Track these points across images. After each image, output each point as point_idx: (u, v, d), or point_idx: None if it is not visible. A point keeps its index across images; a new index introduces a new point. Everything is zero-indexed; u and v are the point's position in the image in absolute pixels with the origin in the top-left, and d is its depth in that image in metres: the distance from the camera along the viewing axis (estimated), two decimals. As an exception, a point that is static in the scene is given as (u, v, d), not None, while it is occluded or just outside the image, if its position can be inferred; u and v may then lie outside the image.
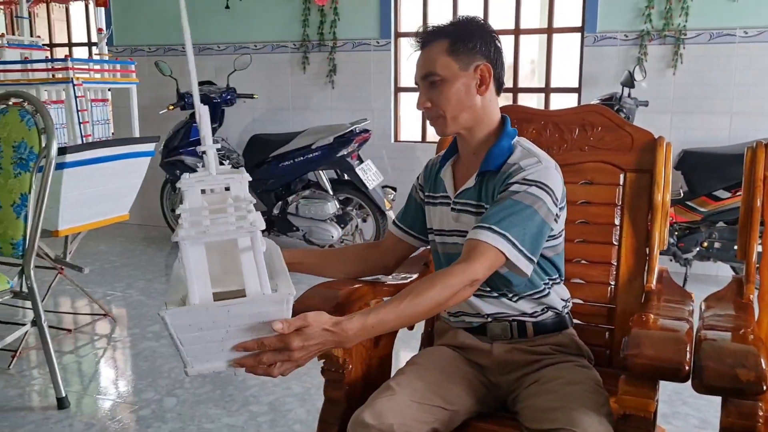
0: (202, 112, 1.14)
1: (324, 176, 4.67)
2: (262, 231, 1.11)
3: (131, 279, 4.37)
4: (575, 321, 1.75)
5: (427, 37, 1.50)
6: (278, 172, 4.74)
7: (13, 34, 3.70)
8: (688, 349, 1.20)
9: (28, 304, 2.57)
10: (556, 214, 1.44)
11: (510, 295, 1.51)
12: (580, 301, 1.81)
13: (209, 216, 1.07)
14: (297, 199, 4.73)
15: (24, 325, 3.05)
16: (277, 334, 1.11)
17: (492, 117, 1.53)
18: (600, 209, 1.82)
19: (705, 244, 3.88)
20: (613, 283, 1.80)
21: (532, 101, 6.31)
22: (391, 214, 4.59)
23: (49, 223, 2.94)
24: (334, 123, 4.85)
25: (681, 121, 4.32)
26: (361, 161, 4.60)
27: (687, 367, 1.18)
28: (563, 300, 1.57)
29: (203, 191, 1.11)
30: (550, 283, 1.54)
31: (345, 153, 4.52)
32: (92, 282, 4.18)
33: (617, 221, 1.81)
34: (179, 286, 1.17)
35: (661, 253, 1.78)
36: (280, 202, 4.81)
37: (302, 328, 1.14)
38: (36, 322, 2.55)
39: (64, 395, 2.61)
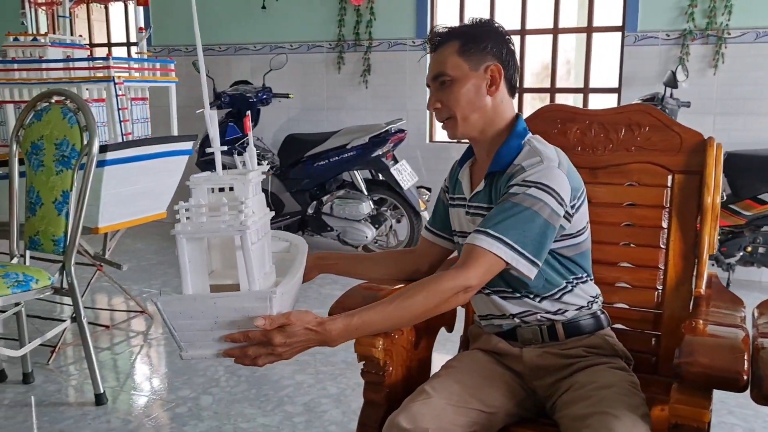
0: (212, 116, 1.24)
1: (359, 176, 4.66)
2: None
3: (167, 277, 4.41)
4: (619, 326, 1.71)
5: (439, 39, 1.49)
6: (313, 171, 4.74)
7: (55, 33, 3.75)
8: (746, 357, 1.16)
9: (67, 299, 2.60)
10: (567, 213, 1.40)
11: (531, 296, 1.48)
12: (625, 306, 1.77)
13: (207, 213, 1.15)
14: (331, 199, 4.72)
15: (63, 321, 3.09)
16: (260, 329, 1.17)
17: (503, 118, 1.50)
18: (647, 211, 1.78)
19: (749, 248, 3.78)
20: (660, 287, 1.75)
21: (568, 101, 6.22)
22: (426, 215, 4.57)
23: (90, 220, 2.97)
24: (368, 123, 4.84)
25: (724, 122, 4.21)
26: (396, 161, 4.58)
27: (745, 377, 1.13)
28: (591, 297, 1.52)
29: (216, 189, 1.24)
30: (575, 282, 1.50)
31: (380, 153, 4.50)
32: (129, 279, 4.23)
33: (665, 224, 1.76)
34: None
35: (707, 258, 1.73)
36: (314, 202, 4.81)
37: (285, 326, 1.18)
38: (75, 319, 2.58)
39: (102, 391, 2.63)
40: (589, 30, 4.73)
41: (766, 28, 4.10)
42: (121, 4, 6.25)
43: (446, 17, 5.11)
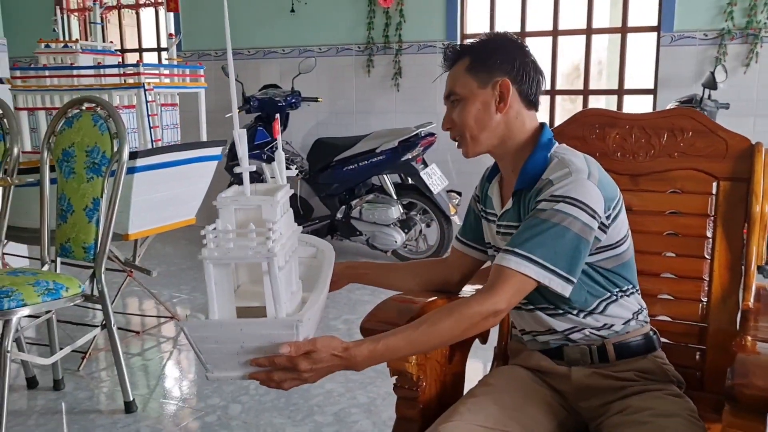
0: (240, 135, 1.21)
1: (388, 180, 4.62)
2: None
3: (196, 282, 4.41)
4: (663, 339, 1.64)
5: (452, 56, 1.45)
6: (342, 176, 4.71)
7: (87, 40, 3.78)
8: (805, 380, 1.09)
9: (98, 305, 2.59)
10: (602, 225, 1.33)
11: (575, 311, 1.41)
12: (668, 319, 1.69)
13: (233, 239, 1.14)
14: (361, 203, 4.68)
15: (94, 326, 3.10)
16: (286, 355, 1.15)
17: (522, 132, 1.43)
18: (690, 220, 1.70)
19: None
20: (705, 299, 1.68)
21: (600, 104, 6.11)
22: (456, 220, 4.51)
23: (120, 227, 2.97)
24: (398, 127, 4.80)
25: (765, 124, 4.09)
26: (426, 165, 4.53)
27: (806, 401, 1.06)
28: (636, 309, 1.45)
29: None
30: (620, 294, 1.43)
31: (410, 157, 4.45)
32: (159, 284, 4.24)
33: (709, 233, 1.69)
34: None
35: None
36: (343, 207, 4.78)
37: (310, 352, 1.17)
38: (106, 326, 2.57)
39: (131, 399, 2.62)
40: (624, 30, 4.63)
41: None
42: (152, 9, 6.29)
43: (477, 19, 5.05)
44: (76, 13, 5.51)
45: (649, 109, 4.21)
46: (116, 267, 3.42)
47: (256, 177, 3.65)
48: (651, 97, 4.49)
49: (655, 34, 4.44)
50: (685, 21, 4.26)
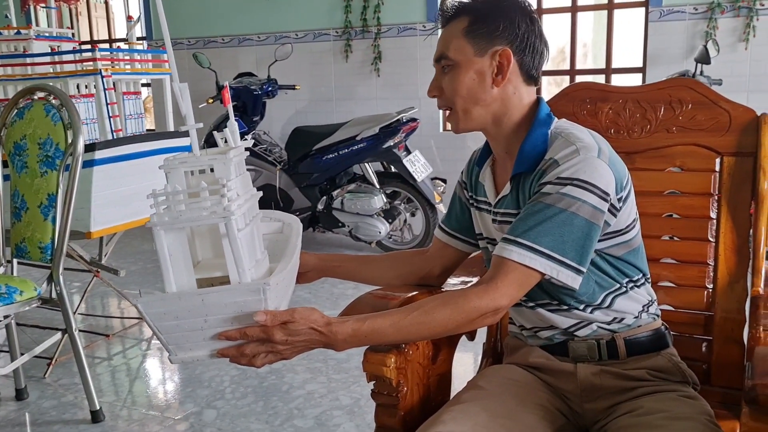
0: (182, 88, 1.10)
1: (370, 169, 4.45)
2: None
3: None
4: (664, 330, 1.50)
5: (449, 14, 1.27)
6: (322, 165, 4.54)
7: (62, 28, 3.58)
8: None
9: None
10: (613, 207, 1.18)
11: (581, 306, 1.26)
12: (670, 308, 1.55)
13: (185, 201, 1.03)
14: (342, 193, 4.51)
15: (61, 330, 2.92)
16: (259, 325, 1.06)
17: (518, 109, 1.27)
18: (692, 200, 1.57)
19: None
20: (710, 286, 1.55)
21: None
22: (442, 208, 4.36)
23: (81, 224, 2.79)
24: (379, 113, 4.63)
25: (759, 100, 3.95)
26: (409, 152, 4.36)
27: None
28: (646, 301, 1.31)
29: (197, 171, 1.09)
30: (630, 286, 1.28)
31: (392, 144, 4.29)
32: (132, 282, 4.06)
33: (713, 214, 1.55)
34: None
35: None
36: (324, 197, 4.61)
37: (287, 323, 1.07)
38: (67, 331, 2.40)
39: (98, 408, 2.45)
40: (611, 6, 4.48)
41: (801, -3, 3.84)
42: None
43: (457, -1, 4.89)
44: (42, 4, 5.28)
45: (637, 87, 4.07)
46: (82, 267, 3.24)
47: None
48: (640, 75, 4.35)
49: (642, 10, 4.29)
50: (674, -5, 4.12)
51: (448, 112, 1.29)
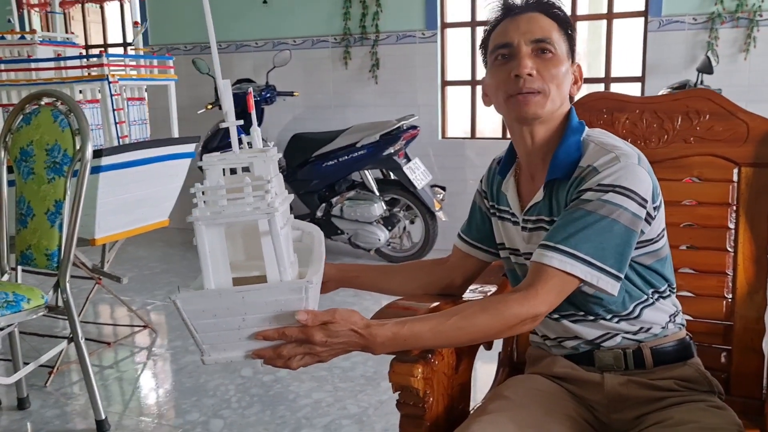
0: (225, 86, 1.09)
1: (370, 176, 4.44)
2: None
3: (171, 286, 4.20)
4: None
5: (534, 6, 1.26)
6: (321, 172, 4.53)
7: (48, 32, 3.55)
8: None
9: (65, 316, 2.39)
10: (648, 215, 1.19)
11: (608, 317, 1.26)
12: (689, 317, 1.55)
13: (226, 196, 1.02)
14: (341, 200, 4.50)
15: (63, 338, 2.88)
16: (299, 325, 1.05)
17: (560, 116, 1.28)
18: (710, 210, 1.57)
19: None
20: (729, 296, 1.55)
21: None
22: (442, 216, 4.35)
23: (86, 231, 2.76)
24: (377, 120, 4.62)
25: (758, 110, 3.96)
26: (409, 160, 4.36)
27: None
28: (672, 312, 1.31)
29: (228, 171, 1.09)
30: (657, 297, 1.28)
31: (392, 151, 4.28)
32: (132, 290, 4.02)
33: (731, 224, 1.56)
34: None
35: None
36: (323, 204, 4.60)
37: (327, 323, 1.06)
38: (73, 339, 2.37)
39: (103, 417, 2.42)
40: (610, 16, 4.50)
41: (800, 9, 3.88)
42: (117, 3, 6.03)
43: (457, 7, 4.89)
44: (37, 8, 5.25)
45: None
46: (83, 274, 3.21)
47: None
48: (639, 84, 4.37)
49: (642, 20, 4.32)
50: (674, 5, 4.14)
51: (531, 95, 1.22)
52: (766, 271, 1.53)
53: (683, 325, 1.35)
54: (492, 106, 1.32)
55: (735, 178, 1.56)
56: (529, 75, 1.21)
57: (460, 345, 1.28)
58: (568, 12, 4.31)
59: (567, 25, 1.26)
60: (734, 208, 1.56)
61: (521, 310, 1.11)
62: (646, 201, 1.17)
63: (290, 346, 1.06)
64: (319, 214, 4.59)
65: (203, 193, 1.02)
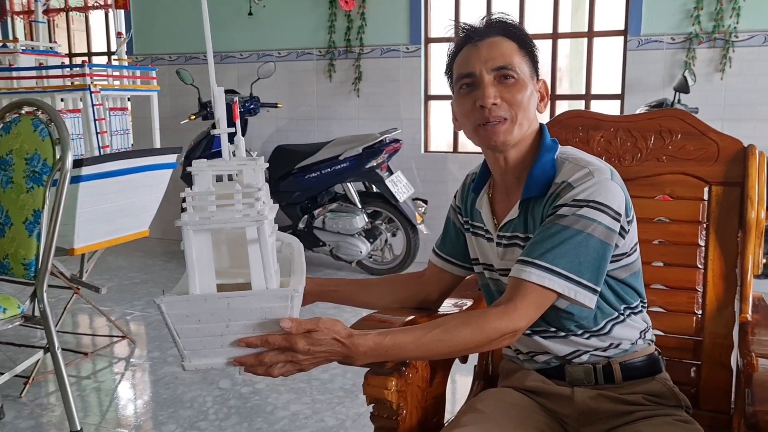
0: (219, 93, 1.10)
1: (352, 188, 4.46)
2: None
3: (151, 296, 4.18)
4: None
5: (494, 30, 1.28)
6: (304, 184, 4.54)
7: (32, 40, 3.55)
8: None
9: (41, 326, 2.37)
10: (622, 229, 1.22)
11: (580, 332, 1.28)
12: (660, 333, 1.59)
13: (216, 202, 1.03)
14: (324, 212, 4.52)
15: (39, 348, 2.86)
16: (283, 333, 1.05)
17: (531, 135, 1.31)
18: (681, 227, 1.61)
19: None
20: (699, 312, 1.58)
21: (565, 110, 6.06)
22: (423, 229, 4.38)
23: (65, 240, 2.75)
24: (360, 133, 4.65)
25: (733, 128, 4.02)
26: (391, 173, 4.39)
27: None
28: (642, 328, 1.34)
29: (218, 178, 1.10)
30: (628, 313, 1.31)
31: (374, 164, 4.31)
32: (111, 300, 4.00)
33: (702, 241, 1.59)
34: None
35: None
36: (305, 216, 4.61)
37: (311, 332, 1.07)
38: (49, 349, 2.35)
39: (79, 429, 2.39)
40: (590, 35, 4.57)
41: (775, 31, 3.96)
42: (102, 12, 6.02)
43: (441, 22, 4.94)
44: (21, 16, 5.23)
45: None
46: (62, 284, 3.19)
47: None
48: (618, 102, 4.43)
49: (621, 38, 4.39)
50: (652, 25, 4.21)
51: (498, 124, 1.24)
52: (734, 288, 1.57)
53: (652, 341, 1.37)
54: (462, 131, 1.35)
55: (705, 196, 1.60)
56: (494, 104, 1.23)
57: (441, 357, 1.30)
58: (549, 30, 4.39)
59: (528, 44, 1.29)
60: (705, 225, 1.59)
61: (501, 324, 1.13)
62: (620, 215, 1.20)
63: (272, 354, 1.06)
64: (301, 225, 4.60)
65: (192, 198, 1.03)
